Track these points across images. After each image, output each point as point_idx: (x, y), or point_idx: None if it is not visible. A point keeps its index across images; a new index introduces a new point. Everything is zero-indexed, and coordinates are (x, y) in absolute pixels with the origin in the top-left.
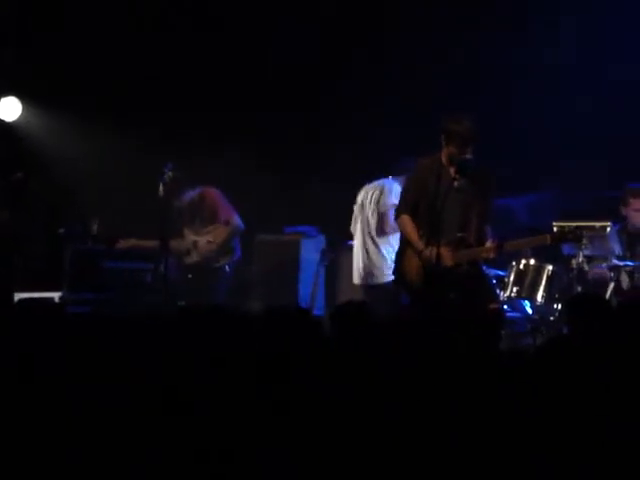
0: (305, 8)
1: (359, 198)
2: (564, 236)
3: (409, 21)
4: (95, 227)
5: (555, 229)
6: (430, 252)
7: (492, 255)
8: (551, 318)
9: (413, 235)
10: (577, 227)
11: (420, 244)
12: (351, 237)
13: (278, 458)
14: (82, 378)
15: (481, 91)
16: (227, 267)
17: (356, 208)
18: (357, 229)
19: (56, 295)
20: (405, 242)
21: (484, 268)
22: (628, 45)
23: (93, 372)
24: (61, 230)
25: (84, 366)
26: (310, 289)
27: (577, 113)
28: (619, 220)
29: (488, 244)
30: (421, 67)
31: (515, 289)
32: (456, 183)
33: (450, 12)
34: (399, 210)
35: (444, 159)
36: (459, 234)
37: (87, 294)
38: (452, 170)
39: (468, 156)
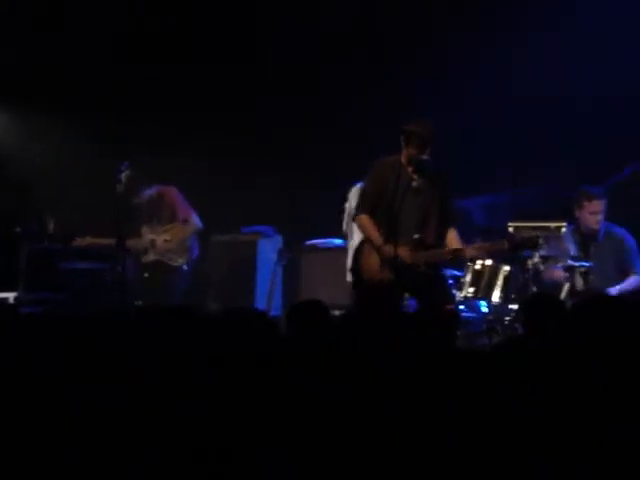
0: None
1: (351, 197)
2: (522, 243)
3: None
4: (51, 226)
5: (511, 229)
6: (389, 248)
7: (448, 258)
8: (507, 318)
9: (373, 232)
10: (535, 235)
11: (379, 239)
12: (310, 237)
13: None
14: (35, 378)
15: (441, 92)
16: (185, 266)
17: (348, 207)
18: (355, 228)
19: (11, 295)
20: (364, 240)
21: (441, 269)
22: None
23: (47, 372)
24: (17, 229)
25: (37, 366)
26: (267, 289)
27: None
28: (573, 221)
29: (453, 246)
30: (394, 69)
31: (471, 289)
32: (414, 183)
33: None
34: (358, 209)
35: (403, 160)
36: (417, 235)
37: (43, 294)
38: (410, 170)
39: (425, 157)
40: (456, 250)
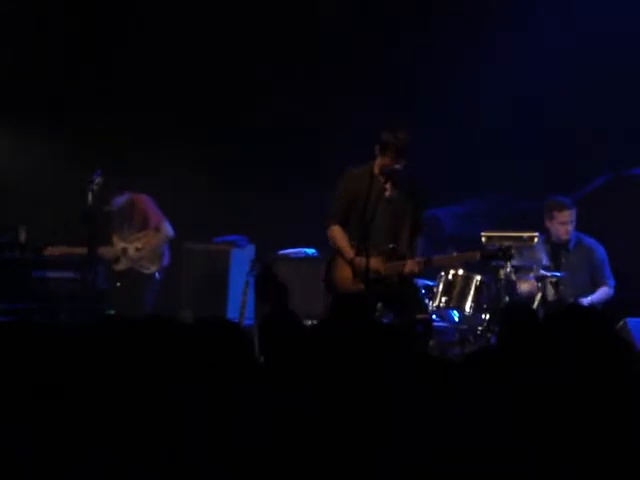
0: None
1: None
2: (494, 254)
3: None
4: (23, 235)
5: (483, 239)
6: (361, 260)
7: (416, 270)
8: (479, 328)
9: (344, 244)
10: (508, 245)
11: (351, 252)
12: (282, 247)
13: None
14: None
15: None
16: (157, 274)
17: None
18: None
19: None
20: (335, 251)
21: (414, 279)
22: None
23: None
24: None
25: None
26: (240, 299)
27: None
28: (543, 231)
29: (417, 259)
30: (363, 78)
31: (444, 299)
32: (387, 193)
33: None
34: (329, 220)
35: (376, 169)
36: (390, 245)
37: (14, 304)
38: (382, 180)
39: (397, 166)
40: (424, 261)
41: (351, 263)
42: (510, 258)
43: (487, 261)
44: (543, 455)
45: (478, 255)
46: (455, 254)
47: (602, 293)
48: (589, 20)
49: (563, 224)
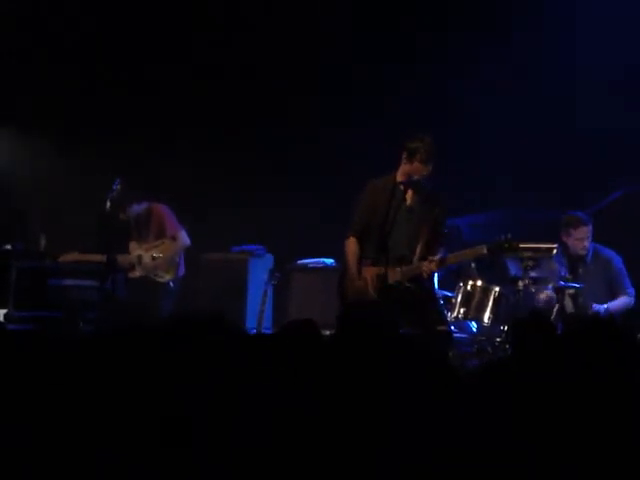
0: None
1: None
2: (500, 246)
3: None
4: (43, 243)
5: None
6: (361, 284)
7: (433, 268)
8: (497, 339)
9: (352, 260)
10: (510, 236)
11: (355, 272)
12: (301, 256)
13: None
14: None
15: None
16: (171, 283)
17: None
18: None
19: (1, 312)
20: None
21: (435, 290)
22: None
23: (33, 393)
24: (7, 247)
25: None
26: (258, 308)
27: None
28: (560, 243)
29: (431, 258)
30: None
31: (462, 310)
32: (407, 203)
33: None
34: (348, 231)
35: (400, 177)
36: (406, 254)
37: (33, 312)
38: (403, 189)
39: (415, 177)
40: (438, 260)
41: (351, 281)
42: (517, 249)
43: (494, 254)
44: (554, 462)
45: (484, 248)
46: (467, 250)
47: (621, 302)
48: None
49: (580, 240)
